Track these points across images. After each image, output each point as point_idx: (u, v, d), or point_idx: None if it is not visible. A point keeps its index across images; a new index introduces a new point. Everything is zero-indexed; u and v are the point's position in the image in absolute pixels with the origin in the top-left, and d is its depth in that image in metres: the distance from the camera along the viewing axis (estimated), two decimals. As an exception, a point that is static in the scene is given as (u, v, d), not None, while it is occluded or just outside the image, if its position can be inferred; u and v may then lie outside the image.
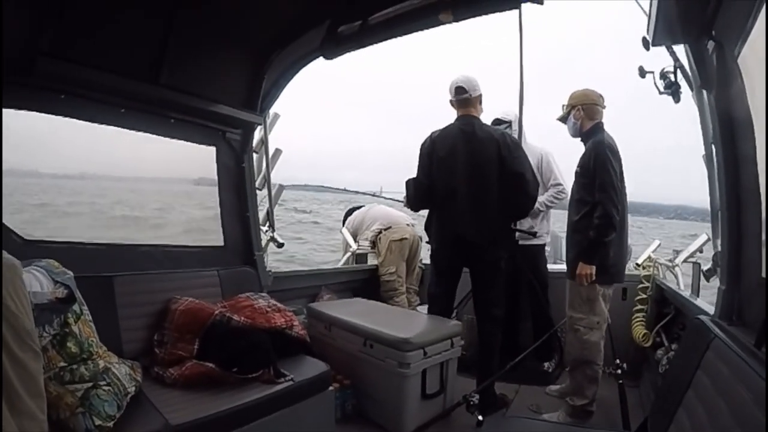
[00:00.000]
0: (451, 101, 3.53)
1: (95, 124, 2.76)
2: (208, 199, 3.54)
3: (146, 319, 2.74)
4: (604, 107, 3.27)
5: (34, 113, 2.49)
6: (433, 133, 3.51)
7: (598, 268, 3.03)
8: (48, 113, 2.54)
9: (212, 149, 3.41)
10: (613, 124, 3.30)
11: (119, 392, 2.06)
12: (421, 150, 3.53)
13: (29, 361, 1.48)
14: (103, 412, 1.94)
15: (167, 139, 3.14)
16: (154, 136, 3.06)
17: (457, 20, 2.50)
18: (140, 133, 2.97)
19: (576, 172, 3.23)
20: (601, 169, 2.99)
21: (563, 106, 3.37)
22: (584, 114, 3.24)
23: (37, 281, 2.01)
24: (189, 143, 3.28)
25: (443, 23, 2.54)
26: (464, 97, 3.45)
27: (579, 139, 3.31)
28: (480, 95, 3.52)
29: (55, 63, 2.37)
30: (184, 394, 2.30)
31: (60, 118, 2.59)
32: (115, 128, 2.84)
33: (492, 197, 3.32)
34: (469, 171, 3.35)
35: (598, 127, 3.21)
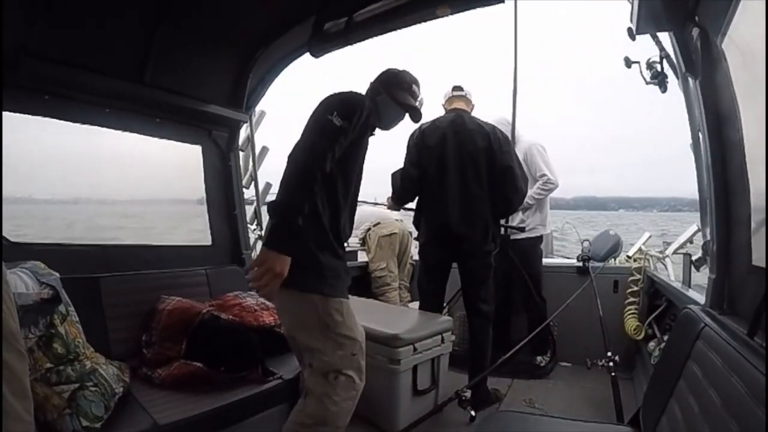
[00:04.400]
0: (443, 104, 3.62)
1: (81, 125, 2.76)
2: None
3: (134, 320, 2.72)
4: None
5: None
6: (422, 124, 3.45)
7: None
8: (31, 114, 2.53)
9: (198, 148, 3.40)
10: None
11: (106, 393, 2.05)
12: (409, 141, 3.50)
13: (14, 362, 1.46)
14: (90, 413, 1.93)
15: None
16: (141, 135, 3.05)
17: (453, 13, 2.53)
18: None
19: None
20: None
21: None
22: None
23: (23, 282, 2.00)
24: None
25: (438, 17, 2.56)
26: (460, 94, 3.53)
27: None
28: (473, 105, 3.59)
29: (38, 63, 2.37)
30: (172, 394, 2.28)
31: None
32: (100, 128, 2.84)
33: (482, 188, 3.31)
34: (459, 161, 3.32)
35: None
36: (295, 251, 1.89)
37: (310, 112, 2.06)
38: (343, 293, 2.12)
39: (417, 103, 2.43)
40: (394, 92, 2.34)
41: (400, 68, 2.44)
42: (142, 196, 3.52)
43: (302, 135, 1.98)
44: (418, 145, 3.44)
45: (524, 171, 3.49)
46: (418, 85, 2.44)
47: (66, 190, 3.15)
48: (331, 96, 2.10)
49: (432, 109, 3.54)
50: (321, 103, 2.07)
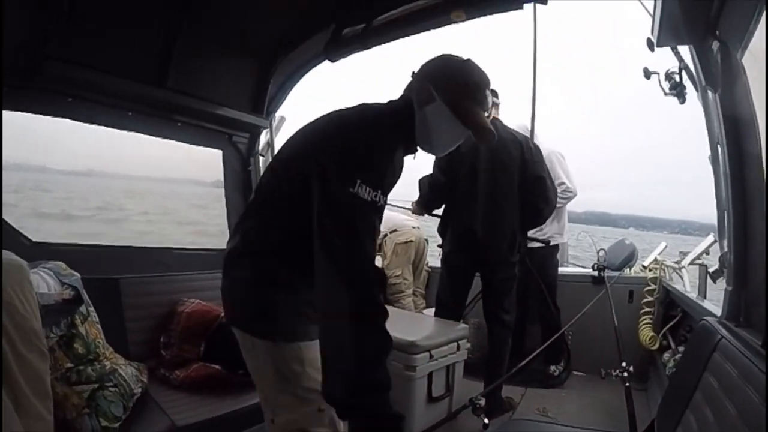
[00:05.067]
0: None
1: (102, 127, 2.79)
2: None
3: (152, 321, 2.75)
4: None
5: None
6: None
7: None
8: (54, 116, 2.57)
9: (219, 153, 3.43)
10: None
11: (125, 393, 2.08)
12: None
13: (36, 362, 1.50)
14: (109, 413, 1.96)
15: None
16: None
17: (468, 18, 2.52)
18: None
19: None
20: None
21: None
22: None
23: (45, 282, 2.03)
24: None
25: (454, 22, 2.56)
26: (496, 102, 3.46)
27: None
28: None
29: (62, 66, 2.39)
30: (190, 396, 2.32)
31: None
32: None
33: (512, 197, 3.29)
34: (491, 169, 3.29)
35: None
36: (240, 289, 1.60)
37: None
38: (305, 335, 1.52)
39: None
40: (460, 104, 1.54)
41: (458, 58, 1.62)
42: (157, 173, 3.52)
43: (326, 249, 1.33)
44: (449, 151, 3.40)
45: (554, 182, 3.48)
46: (489, 89, 1.62)
47: (81, 161, 3.16)
48: (336, 142, 1.44)
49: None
50: (326, 159, 1.38)
